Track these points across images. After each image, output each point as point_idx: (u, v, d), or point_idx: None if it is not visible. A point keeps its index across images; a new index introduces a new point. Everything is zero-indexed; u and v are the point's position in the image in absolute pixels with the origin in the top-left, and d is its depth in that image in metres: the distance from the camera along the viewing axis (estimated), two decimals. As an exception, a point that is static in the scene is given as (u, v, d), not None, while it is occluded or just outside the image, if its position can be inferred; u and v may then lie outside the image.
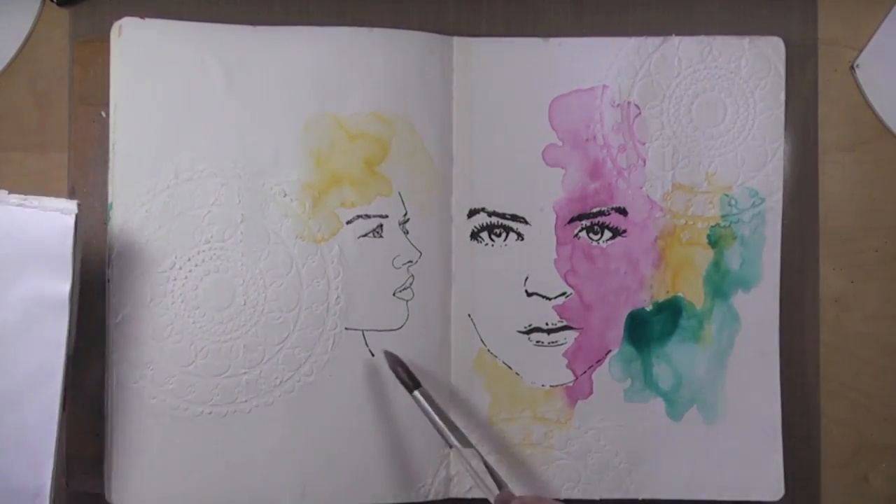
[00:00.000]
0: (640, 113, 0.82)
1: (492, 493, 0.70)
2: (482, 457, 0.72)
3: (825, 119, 0.85)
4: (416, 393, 0.76)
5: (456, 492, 0.82)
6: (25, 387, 0.70)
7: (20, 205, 0.70)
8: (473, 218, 0.82)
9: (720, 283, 0.82)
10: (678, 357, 0.82)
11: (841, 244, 0.84)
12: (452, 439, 0.73)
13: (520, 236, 0.82)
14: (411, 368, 0.78)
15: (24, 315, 0.70)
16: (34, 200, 0.70)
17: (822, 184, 0.84)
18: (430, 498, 0.81)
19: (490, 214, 0.82)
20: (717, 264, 0.82)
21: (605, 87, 0.82)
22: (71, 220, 0.70)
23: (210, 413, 0.78)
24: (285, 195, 0.79)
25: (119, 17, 0.79)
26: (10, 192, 0.70)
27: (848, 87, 0.85)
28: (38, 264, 0.69)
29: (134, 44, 0.79)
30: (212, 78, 0.79)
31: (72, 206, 0.70)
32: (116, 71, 0.79)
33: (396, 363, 0.78)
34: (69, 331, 0.71)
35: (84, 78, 0.81)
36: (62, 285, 0.70)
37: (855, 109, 0.85)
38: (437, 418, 0.74)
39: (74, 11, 0.82)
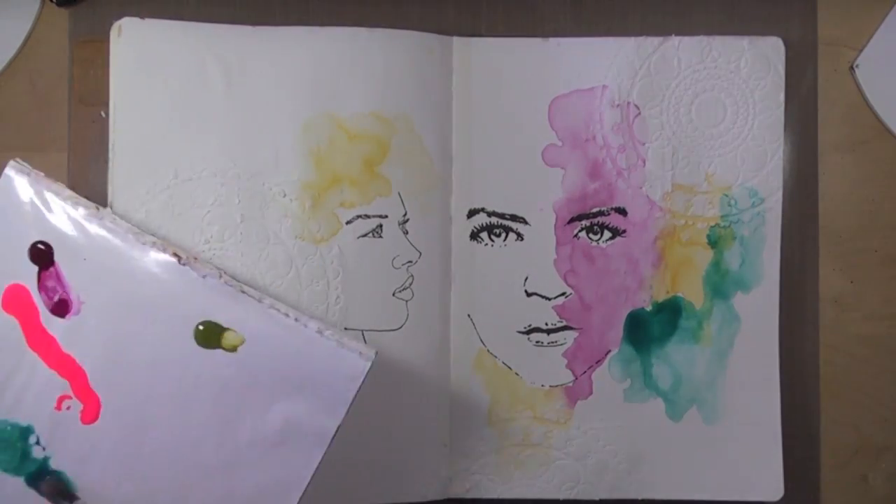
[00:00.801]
0: (639, 113, 0.82)
1: None
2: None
3: (825, 119, 0.85)
4: None
5: (455, 492, 0.82)
6: (255, 496, 0.73)
7: (318, 332, 0.71)
8: (473, 218, 0.82)
9: (720, 284, 0.82)
10: (678, 357, 0.82)
11: (841, 244, 0.84)
12: None
13: (519, 236, 0.82)
14: (411, 368, 0.79)
15: (279, 433, 0.71)
16: (335, 334, 0.72)
17: (822, 184, 0.84)
18: (430, 498, 0.81)
19: (490, 214, 0.82)
20: (716, 264, 0.82)
21: (604, 87, 0.82)
22: (367, 367, 0.71)
23: None
24: (285, 195, 0.79)
25: (119, 18, 0.79)
26: (312, 318, 0.72)
27: (848, 87, 0.85)
28: (315, 394, 0.71)
29: (134, 44, 0.79)
30: (211, 78, 0.79)
31: (371, 352, 0.71)
32: (116, 71, 0.79)
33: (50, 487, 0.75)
34: (319, 465, 0.72)
35: (84, 78, 0.81)
36: (331, 422, 0.71)
37: (855, 109, 0.85)
38: None
39: (74, 11, 0.82)
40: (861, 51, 0.85)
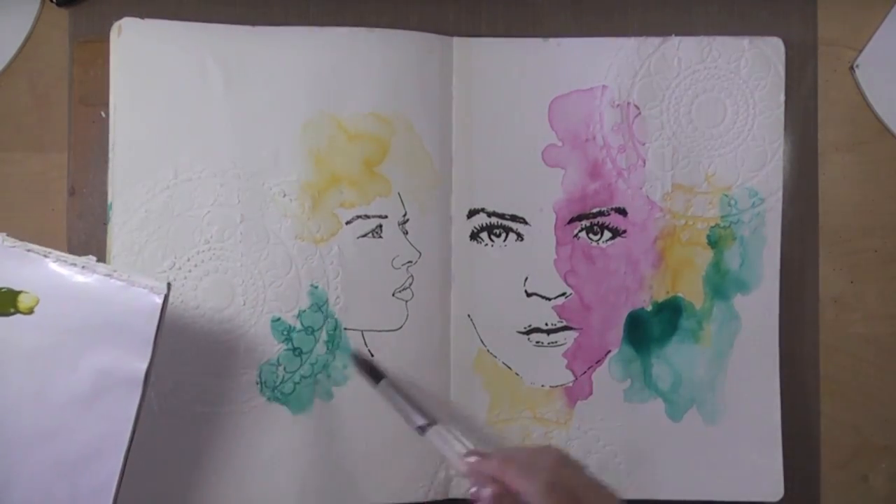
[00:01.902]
0: (639, 113, 0.82)
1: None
2: (453, 431, 0.70)
3: (825, 119, 0.85)
4: (379, 386, 0.75)
5: (456, 492, 0.82)
6: (84, 457, 0.69)
7: (107, 275, 0.68)
8: (473, 218, 0.82)
9: (720, 284, 0.82)
10: (678, 357, 0.82)
11: (841, 244, 0.85)
12: (421, 420, 0.71)
13: (519, 237, 0.82)
14: (405, 368, 0.80)
15: (93, 385, 0.68)
16: (123, 274, 0.68)
17: (821, 184, 0.84)
18: (430, 498, 0.81)
19: (490, 215, 0.82)
20: (716, 265, 0.82)
21: (604, 87, 0.82)
22: (160, 300, 0.68)
23: (210, 413, 0.78)
24: (285, 195, 0.79)
25: (119, 18, 0.79)
26: (100, 264, 0.69)
27: (848, 87, 0.85)
28: (118, 338, 0.68)
29: (134, 44, 0.79)
30: (211, 78, 0.79)
31: (162, 285, 0.68)
32: (116, 71, 0.79)
33: (360, 360, 0.78)
34: (139, 408, 0.69)
35: (84, 78, 0.81)
36: (140, 363, 0.68)
37: (855, 109, 0.85)
38: (404, 403, 0.73)
39: (74, 11, 0.82)
40: (861, 51, 0.85)
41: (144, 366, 0.67)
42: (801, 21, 0.84)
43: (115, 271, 0.68)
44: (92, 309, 0.68)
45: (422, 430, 0.70)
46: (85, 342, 0.68)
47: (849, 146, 0.85)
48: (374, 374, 0.76)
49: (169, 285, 0.68)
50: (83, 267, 0.68)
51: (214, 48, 0.79)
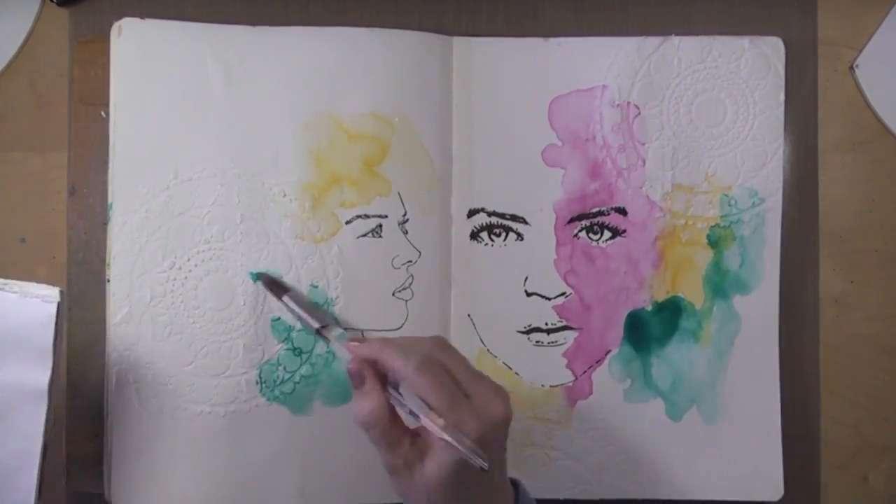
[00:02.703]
0: (639, 113, 0.82)
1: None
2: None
3: (825, 119, 0.85)
4: (285, 298, 0.76)
5: (456, 492, 0.82)
6: (1, 475, 0.68)
7: (0, 289, 0.67)
8: (473, 218, 0.82)
9: (720, 284, 0.82)
10: (678, 357, 0.82)
11: (841, 244, 0.85)
12: (315, 324, 0.74)
13: (519, 236, 0.82)
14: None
15: (1, 403, 0.67)
16: (15, 285, 0.67)
17: (821, 184, 0.84)
18: None
19: (490, 214, 0.82)
20: (716, 264, 0.82)
21: (604, 87, 0.82)
22: (53, 309, 0.66)
23: (210, 413, 0.78)
24: (285, 195, 0.79)
25: (119, 18, 0.79)
26: None
27: (848, 87, 0.85)
28: (17, 352, 0.67)
29: (134, 44, 0.79)
30: (211, 78, 0.79)
31: (54, 293, 0.67)
32: (116, 71, 0.79)
33: (266, 278, 0.79)
34: (47, 420, 0.67)
35: (84, 78, 0.81)
36: (41, 375, 0.67)
37: (855, 109, 0.85)
38: (303, 312, 0.75)
39: (74, 11, 0.82)
40: (861, 51, 0.85)
41: (47, 377, 0.67)
42: (801, 21, 0.84)
43: (6, 284, 0.66)
44: (-11, 325, 0.66)
45: (318, 332, 0.73)
46: (-15, 360, 0.67)
47: (849, 146, 0.85)
48: (278, 288, 0.77)
49: (62, 292, 0.67)
50: None
51: (214, 48, 0.79)
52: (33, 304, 0.66)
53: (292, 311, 0.76)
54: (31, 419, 0.67)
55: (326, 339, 0.73)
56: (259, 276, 0.79)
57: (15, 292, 0.67)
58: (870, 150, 0.85)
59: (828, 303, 0.85)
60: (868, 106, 0.85)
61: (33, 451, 0.67)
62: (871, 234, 0.85)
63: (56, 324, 0.67)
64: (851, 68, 0.85)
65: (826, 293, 0.85)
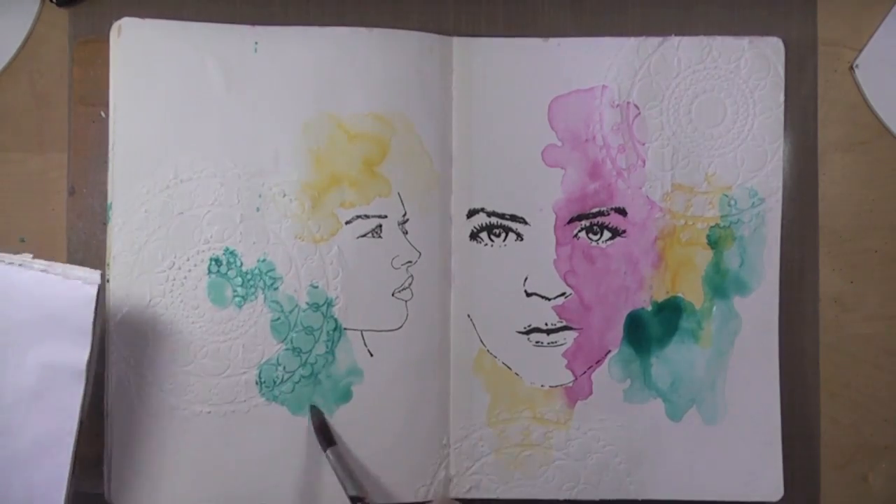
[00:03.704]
0: (639, 113, 0.82)
1: None
2: None
3: (825, 119, 0.85)
4: (328, 452, 0.76)
5: (456, 492, 0.82)
6: (35, 451, 0.70)
7: (43, 270, 0.70)
8: (473, 218, 0.82)
9: (720, 284, 0.82)
10: (678, 357, 0.82)
11: (841, 244, 0.85)
12: (350, 491, 0.73)
13: (519, 236, 0.82)
14: (405, 368, 0.80)
15: (39, 380, 0.70)
16: (58, 267, 0.70)
17: (821, 184, 0.84)
18: (430, 498, 0.81)
19: (489, 214, 0.82)
20: (716, 264, 0.82)
21: (604, 87, 0.82)
22: (93, 291, 0.69)
23: (209, 413, 0.79)
24: (284, 195, 0.79)
25: (119, 18, 0.79)
26: (35, 258, 0.70)
27: (847, 87, 0.85)
28: (58, 331, 0.69)
29: (133, 44, 0.79)
30: (211, 78, 0.79)
31: (95, 276, 0.70)
32: (116, 71, 0.79)
33: (318, 421, 0.79)
34: (84, 398, 0.70)
35: (84, 78, 0.81)
36: (81, 354, 0.70)
37: (854, 109, 0.85)
38: (344, 476, 0.74)
39: (74, 11, 0.82)
40: (861, 51, 0.85)
41: (85, 356, 0.69)
42: (800, 21, 0.84)
43: (49, 265, 0.70)
44: (32, 304, 0.69)
45: (353, 500, 0.72)
46: (28, 338, 0.69)
47: (849, 146, 0.85)
48: (326, 438, 0.77)
49: (102, 275, 0.70)
50: (20, 265, 0.69)
51: (214, 48, 0.80)
52: (74, 286, 0.69)
53: (332, 467, 0.76)
54: (69, 397, 0.70)
55: None
56: (314, 413, 0.79)
57: (57, 274, 0.70)
58: (870, 150, 0.85)
59: (827, 303, 0.84)
60: (868, 106, 0.85)
61: (70, 428, 0.70)
62: (871, 234, 0.85)
63: (96, 305, 0.69)
64: (851, 68, 0.85)
65: (826, 293, 0.84)
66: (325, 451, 0.76)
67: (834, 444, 0.84)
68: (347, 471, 0.74)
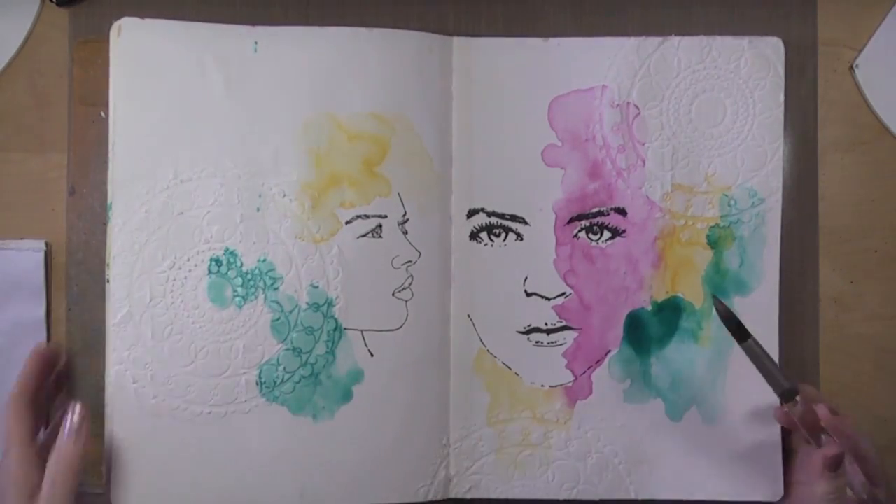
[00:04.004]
0: (639, 113, 0.82)
1: None
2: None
3: (825, 119, 0.85)
4: (747, 343, 0.75)
5: (455, 492, 0.82)
6: None
7: (1, 248, 0.82)
8: (473, 218, 0.83)
9: (720, 283, 0.82)
10: (678, 357, 0.82)
11: (841, 244, 0.85)
12: (783, 383, 0.73)
13: (519, 236, 0.82)
14: (405, 368, 0.80)
15: (9, 339, 0.82)
16: (11, 244, 0.82)
17: (821, 184, 0.85)
18: (430, 498, 0.81)
19: (489, 214, 0.82)
20: (716, 264, 0.82)
21: (604, 87, 0.82)
22: (41, 256, 0.82)
23: (210, 413, 0.79)
24: (284, 195, 0.80)
25: (119, 18, 0.79)
26: None
27: (847, 87, 0.86)
28: (19, 295, 0.79)
29: (133, 44, 0.79)
30: (211, 78, 0.79)
31: (40, 244, 0.82)
32: (116, 71, 0.79)
33: (728, 315, 0.76)
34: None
35: (84, 78, 0.81)
36: (38, 309, 0.83)
37: (854, 109, 0.86)
38: (766, 365, 0.74)
39: (74, 12, 0.83)
40: (861, 51, 0.85)
41: (42, 310, 0.83)
42: (800, 21, 0.84)
43: (4, 242, 0.82)
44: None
45: (787, 394, 0.73)
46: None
47: (849, 146, 0.85)
48: (741, 332, 0.75)
49: (47, 243, 0.83)
50: None
51: (214, 48, 0.80)
52: (27, 256, 0.82)
53: (753, 361, 0.75)
54: (35, 344, 0.77)
55: (787, 403, 0.73)
56: (717, 302, 0.77)
57: (11, 248, 0.82)
58: (870, 150, 0.86)
59: (827, 303, 0.85)
60: (868, 106, 0.85)
61: None
62: (871, 234, 0.85)
63: (46, 267, 0.83)
64: (851, 68, 0.85)
65: (826, 293, 0.85)
66: (740, 344, 0.75)
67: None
68: (770, 365, 0.74)
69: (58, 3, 0.83)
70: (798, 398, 0.72)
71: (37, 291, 0.82)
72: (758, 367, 0.74)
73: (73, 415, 0.71)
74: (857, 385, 0.85)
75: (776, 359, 0.82)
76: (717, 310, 0.76)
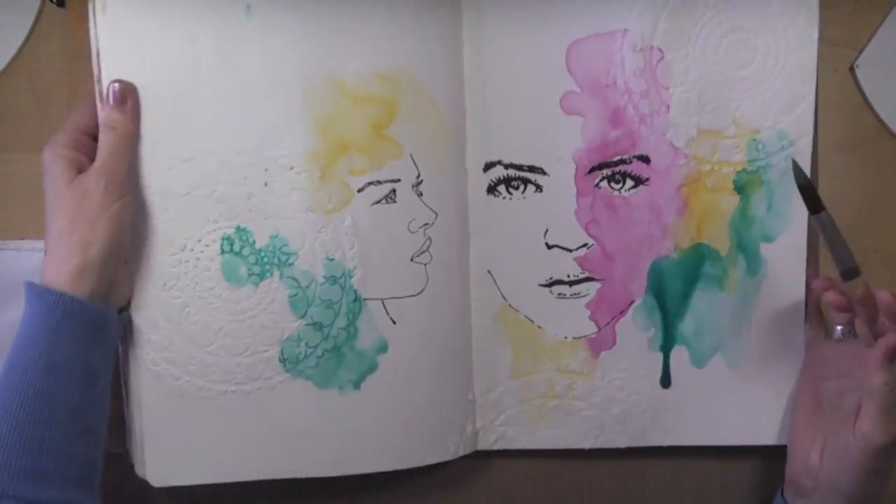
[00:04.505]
0: (663, 57, 0.82)
1: None
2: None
3: (825, 119, 0.86)
4: (820, 215, 0.76)
5: (482, 445, 0.88)
6: None
7: (1, 249, 0.85)
8: (489, 171, 0.84)
9: (746, 230, 0.84)
10: (702, 305, 0.85)
11: (841, 244, 0.87)
12: (849, 260, 0.75)
13: (538, 188, 0.84)
14: (427, 332, 0.84)
15: (9, 339, 0.78)
16: (11, 244, 0.86)
17: (822, 184, 0.86)
18: (459, 454, 0.87)
19: (507, 167, 0.84)
20: (743, 210, 0.84)
21: (625, 30, 0.81)
22: (41, 256, 0.78)
23: (235, 392, 0.82)
24: (292, 168, 0.80)
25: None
26: None
27: (848, 87, 0.87)
28: (18, 295, 0.77)
29: (121, 20, 0.77)
30: (203, 49, 0.78)
31: (41, 244, 0.82)
32: (105, 50, 0.77)
33: (806, 183, 0.78)
34: None
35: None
36: None
37: (855, 110, 0.87)
38: (836, 239, 0.76)
39: (74, 11, 0.83)
40: (861, 51, 0.86)
41: None
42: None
43: (4, 243, 0.86)
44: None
45: (850, 271, 0.75)
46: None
47: (849, 146, 0.87)
48: (815, 202, 0.77)
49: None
50: None
51: (204, 17, 0.78)
52: (27, 256, 0.86)
53: (823, 233, 0.77)
54: None
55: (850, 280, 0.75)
56: (797, 172, 0.78)
57: (11, 248, 0.86)
58: (870, 150, 0.87)
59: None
60: (868, 106, 0.87)
61: None
62: (871, 234, 0.88)
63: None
64: (851, 69, 0.86)
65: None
66: (812, 215, 0.77)
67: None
68: (839, 240, 0.76)
69: (58, 3, 0.83)
70: (860, 279, 0.75)
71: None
72: (826, 240, 0.76)
73: (113, 89, 0.76)
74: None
75: (801, 303, 0.85)
76: (795, 176, 0.78)
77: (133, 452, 0.84)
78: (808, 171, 0.82)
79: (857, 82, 0.87)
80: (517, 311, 0.86)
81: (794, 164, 0.78)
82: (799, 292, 0.85)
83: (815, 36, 0.82)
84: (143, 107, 0.78)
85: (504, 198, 0.84)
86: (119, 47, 0.78)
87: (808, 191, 0.76)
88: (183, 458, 0.83)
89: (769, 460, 0.89)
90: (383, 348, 0.84)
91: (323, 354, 0.83)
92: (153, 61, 0.78)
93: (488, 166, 0.84)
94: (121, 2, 0.77)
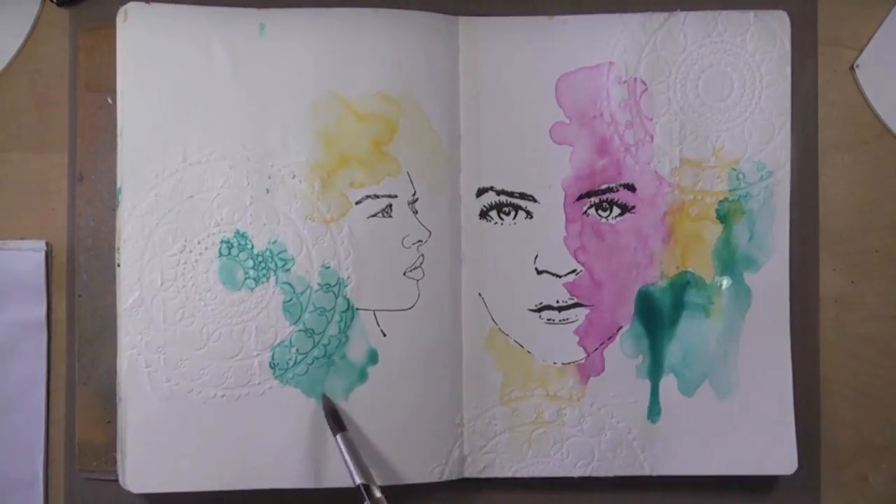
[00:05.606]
0: (646, 89, 0.95)
1: None
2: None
3: (825, 119, 0.96)
4: (338, 437, 0.88)
5: (470, 472, 0.94)
6: (15, 395, 0.96)
7: (1, 249, 0.95)
8: (482, 197, 0.95)
9: (730, 258, 0.95)
10: (689, 332, 0.95)
11: (841, 244, 0.96)
12: (358, 479, 0.83)
13: (529, 214, 0.95)
14: (418, 348, 0.93)
15: (9, 337, 0.95)
16: (10, 244, 0.95)
17: (822, 184, 0.96)
18: (445, 478, 0.93)
19: (499, 193, 0.95)
20: (726, 239, 0.95)
21: (611, 63, 0.95)
22: (42, 257, 0.94)
23: (223, 396, 0.91)
24: (294, 176, 0.92)
25: (125, 2, 0.91)
26: None
27: (848, 87, 0.97)
28: (20, 294, 0.94)
29: (140, 29, 0.91)
30: (218, 61, 0.92)
31: (41, 244, 0.95)
32: (123, 56, 0.91)
33: (329, 406, 0.91)
34: (48, 345, 0.96)
35: (89, 65, 0.93)
36: (40, 309, 0.96)
37: (855, 109, 0.97)
38: (352, 463, 0.85)
39: (74, 11, 0.94)
40: (861, 51, 0.96)
41: (44, 310, 0.96)
42: (801, 21, 0.96)
43: (4, 243, 0.94)
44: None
45: (362, 487, 0.83)
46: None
47: (849, 146, 0.97)
48: (337, 424, 0.89)
49: (48, 243, 0.95)
50: None
51: (220, 31, 0.92)
52: (27, 255, 0.95)
53: (341, 453, 0.86)
54: (36, 346, 0.96)
55: (366, 498, 0.81)
56: (325, 399, 0.91)
57: (11, 248, 0.95)
58: (870, 150, 0.97)
59: (828, 303, 0.96)
60: (868, 106, 0.97)
61: (40, 371, 0.97)
62: (871, 234, 0.97)
63: (46, 267, 0.95)
64: (851, 68, 0.97)
65: (826, 293, 0.96)
66: (335, 435, 0.87)
67: (834, 444, 0.96)
68: (356, 457, 0.85)
69: (58, 3, 0.93)
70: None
71: (37, 291, 0.95)
72: (345, 461, 0.86)
73: None
74: (858, 385, 0.97)
75: (787, 330, 0.94)
76: (323, 403, 0.91)
77: (119, 463, 0.91)
78: (788, 199, 0.95)
79: (857, 82, 0.96)
80: (507, 335, 0.95)
81: (324, 396, 0.93)
82: (784, 319, 0.94)
83: (788, 70, 0.95)
84: (157, 112, 0.91)
85: (496, 223, 0.95)
86: (137, 54, 0.92)
87: (331, 414, 0.90)
88: (164, 465, 0.91)
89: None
90: (373, 360, 0.93)
91: (313, 362, 0.92)
92: (169, 69, 0.92)
93: (481, 192, 0.95)
94: (141, 12, 0.92)
